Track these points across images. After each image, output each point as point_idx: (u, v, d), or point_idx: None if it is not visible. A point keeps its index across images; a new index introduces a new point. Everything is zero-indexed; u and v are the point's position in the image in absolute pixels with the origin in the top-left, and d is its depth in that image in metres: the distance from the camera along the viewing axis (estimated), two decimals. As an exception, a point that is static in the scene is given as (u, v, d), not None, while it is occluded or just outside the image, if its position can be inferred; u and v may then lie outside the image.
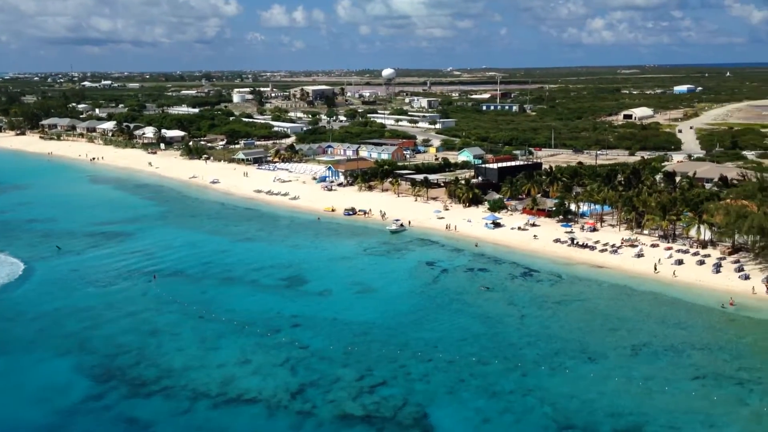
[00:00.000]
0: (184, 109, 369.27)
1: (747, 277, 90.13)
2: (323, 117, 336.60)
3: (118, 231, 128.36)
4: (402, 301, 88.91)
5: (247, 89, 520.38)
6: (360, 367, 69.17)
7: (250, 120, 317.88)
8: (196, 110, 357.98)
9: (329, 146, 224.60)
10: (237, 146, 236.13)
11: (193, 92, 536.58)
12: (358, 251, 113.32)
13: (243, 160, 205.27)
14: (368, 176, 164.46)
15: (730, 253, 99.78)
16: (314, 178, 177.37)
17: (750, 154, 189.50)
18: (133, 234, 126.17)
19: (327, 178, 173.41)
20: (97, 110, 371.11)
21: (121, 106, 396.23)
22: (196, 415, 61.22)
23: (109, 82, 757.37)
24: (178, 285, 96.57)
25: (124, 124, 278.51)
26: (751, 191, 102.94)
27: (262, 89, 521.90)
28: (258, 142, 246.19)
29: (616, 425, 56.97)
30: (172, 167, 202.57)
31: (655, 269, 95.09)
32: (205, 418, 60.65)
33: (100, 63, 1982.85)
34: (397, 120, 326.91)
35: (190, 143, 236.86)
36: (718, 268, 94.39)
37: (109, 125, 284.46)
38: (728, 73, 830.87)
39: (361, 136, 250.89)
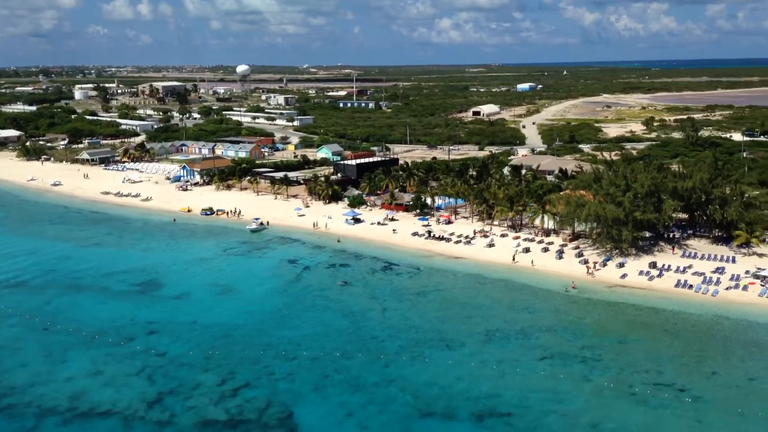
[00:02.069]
0: (19, 107, 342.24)
1: (586, 262, 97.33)
2: (175, 114, 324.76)
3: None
4: (264, 300, 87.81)
5: (91, 85, 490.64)
6: (222, 370, 67.56)
7: (95, 118, 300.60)
8: (34, 108, 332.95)
9: (183, 145, 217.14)
10: (81, 146, 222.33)
11: (29, 89, 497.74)
12: (217, 252, 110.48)
13: (88, 160, 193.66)
14: (226, 175, 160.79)
15: (570, 240, 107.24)
16: (168, 178, 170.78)
17: (586, 148, 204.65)
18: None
19: (182, 178, 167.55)
20: None
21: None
22: (44, 433, 57.14)
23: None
24: (18, 296, 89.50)
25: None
26: (587, 182, 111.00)
27: (107, 85, 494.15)
28: (104, 141, 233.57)
29: (473, 408, 59.56)
30: (6, 169, 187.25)
31: (513, 259, 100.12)
32: (53, 437, 56.74)
33: None
34: (254, 117, 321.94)
35: (27, 143, 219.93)
36: (560, 254, 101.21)
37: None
38: (565, 72, 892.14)
39: (216, 134, 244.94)
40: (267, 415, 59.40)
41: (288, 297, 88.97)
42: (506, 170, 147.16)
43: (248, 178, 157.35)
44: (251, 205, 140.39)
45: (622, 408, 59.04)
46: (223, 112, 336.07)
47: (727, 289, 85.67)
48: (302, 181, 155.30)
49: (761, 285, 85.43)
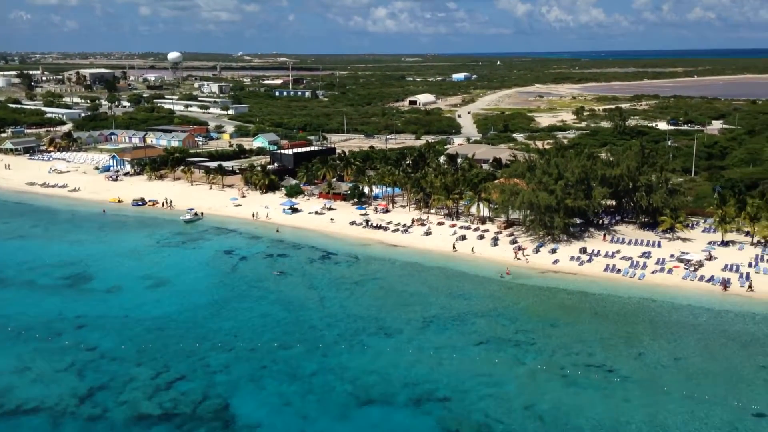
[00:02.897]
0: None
1: (520, 248, 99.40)
2: (104, 102, 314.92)
3: None
4: (199, 292, 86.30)
5: (14, 72, 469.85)
6: (156, 364, 66.16)
7: (19, 106, 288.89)
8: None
9: (112, 134, 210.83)
10: (3, 135, 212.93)
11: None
12: (149, 243, 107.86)
13: (11, 150, 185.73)
14: (158, 165, 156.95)
15: (505, 228, 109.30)
16: (97, 168, 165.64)
17: (519, 137, 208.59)
18: None
19: (111, 168, 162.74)
20: None
21: None
22: (-33, 434, 54.84)
23: None
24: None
25: None
26: (520, 170, 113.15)
27: (31, 72, 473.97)
28: (29, 131, 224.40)
29: (411, 394, 60.21)
30: None
31: (454, 247, 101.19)
32: (-23, 437, 54.52)
33: None
34: (187, 106, 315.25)
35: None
36: (495, 241, 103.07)
37: None
38: (499, 62, 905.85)
39: (147, 122, 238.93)
40: (202, 408, 58.57)
41: (224, 288, 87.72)
42: (442, 159, 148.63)
43: (182, 167, 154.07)
44: (185, 195, 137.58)
45: (554, 389, 60.74)
46: (155, 100, 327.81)
47: (653, 272, 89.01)
48: (238, 171, 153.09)
49: (685, 268, 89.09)
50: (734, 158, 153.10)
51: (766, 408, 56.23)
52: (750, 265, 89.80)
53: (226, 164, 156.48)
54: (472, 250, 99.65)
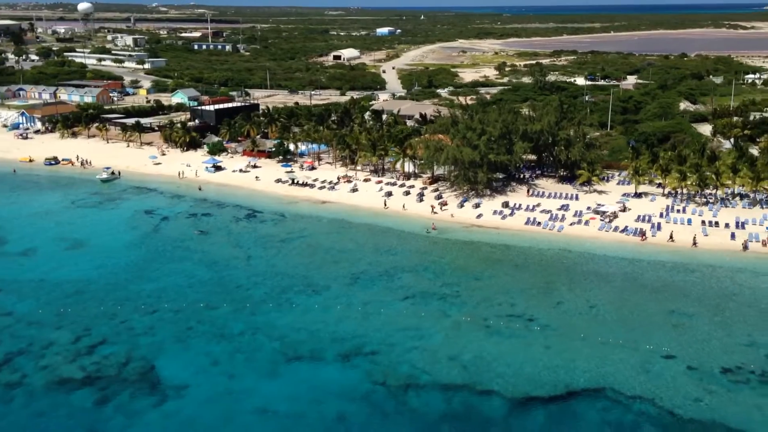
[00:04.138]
0: None
1: (445, 204, 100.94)
2: (10, 56, 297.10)
3: None
4: (120, 253, 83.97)
5: None
6: (76, 327, 64.41)
7: None
8: None
9: (20, 89, 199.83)
10: None
11: None
12: (65, 204, 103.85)
13: None
14: (71, 122, 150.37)
15: (430, 183, 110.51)
16: (5, 126, 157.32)
17: (443, 92, 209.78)
18: None
19: (21, 125, 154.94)
20: None
21: None
22: None
23: None
24: None
25: None
26: (445, 126, 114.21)
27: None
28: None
29: (340, 349, 60.94)
30: None
31: (385, 205, 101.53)
32: None
33: None
34: (100, 59, 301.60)
35: None
36: (421, 197, 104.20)
37: None
38: (422, 17, 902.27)
39: (58, 77, 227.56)
40: (127, 370, 57.63)
41: (146, 249, 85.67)
42: (368, 115, 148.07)
43: (96, 124, 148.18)
44: (101, 153, 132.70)
45: (478, 339, 62.70)
46: (65, 54, 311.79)
47: (571, 224, 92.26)
48: (157, 128, 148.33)
49: (601, 220, 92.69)
50: (647, 112, 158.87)
51: (676, 350, 59.83)
52: (661, 215, 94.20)
53: (144, 121, 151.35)
54: (404, 207, 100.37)
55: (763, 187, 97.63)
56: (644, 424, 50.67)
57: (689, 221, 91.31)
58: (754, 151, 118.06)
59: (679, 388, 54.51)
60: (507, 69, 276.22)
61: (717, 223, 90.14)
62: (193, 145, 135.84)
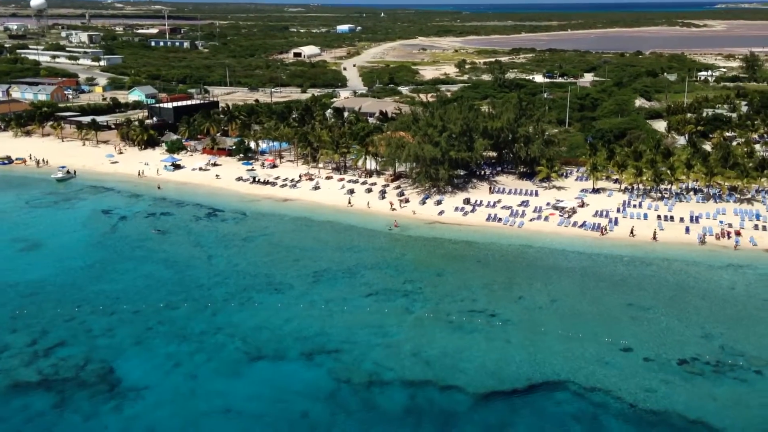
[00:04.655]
0: None
1: (407, 201, 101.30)
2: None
3: None
4: (76, 254, 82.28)
5: None
6: (32, 330, 62.94)
7: None
8: None
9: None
10: None
11: None
12: (18, 204, 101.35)
13: None
14: (24, 120, 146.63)
15: (392, 180, 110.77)
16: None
17: (404, 89, 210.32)
18: None
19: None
20: None
21: None
22: None
23: None
24: None
25: None
26: (406, 123, 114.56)
27: None
28: None
29: (302, 348, 60.74)
30: None
31: (349, 203, 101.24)
32: None
33: None
34: (55, 57, 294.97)
35: None
36: (383, 194, 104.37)
37: None
38: (383, 14, 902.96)
39: (11, 74, 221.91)
40: (86, 373, 56.55)
41: (103, 249, 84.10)
42: (329, 113, 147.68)
43: (51, 123, 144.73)
44: (56, 152, 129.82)
45: (441, 335, 63.15)
46: (18, 51, 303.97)
47: (531, 220, 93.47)
48: (113, 126, 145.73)
49: (559, 215, 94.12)
50: (604, 109, 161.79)
51: (633, 342, 61.12)
52: (618, 210, 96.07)
53: (100, 119, 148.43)
54: (368, 204, 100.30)
55: (716, 182, 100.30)
56: (603, 416, 51.70)
57: (645, 216, 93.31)
58: (707, 146, 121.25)
59: (636, 379, 55.73)
60: (467, 66, 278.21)
61: (672, 218, 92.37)
62: (151, 143, 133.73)
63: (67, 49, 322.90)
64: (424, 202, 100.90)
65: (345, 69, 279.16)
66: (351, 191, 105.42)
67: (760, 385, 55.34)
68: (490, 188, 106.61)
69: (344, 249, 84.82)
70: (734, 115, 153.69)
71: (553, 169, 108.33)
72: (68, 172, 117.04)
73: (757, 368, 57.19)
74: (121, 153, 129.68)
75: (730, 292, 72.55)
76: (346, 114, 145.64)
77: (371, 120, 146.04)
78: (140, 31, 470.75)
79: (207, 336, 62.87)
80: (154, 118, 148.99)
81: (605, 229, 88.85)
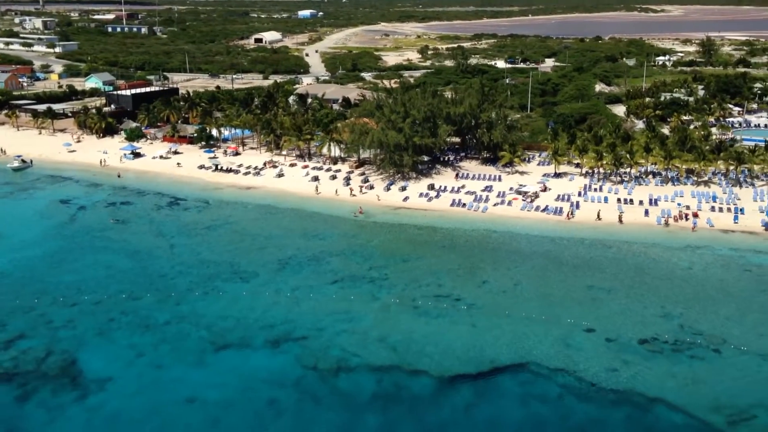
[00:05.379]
0: None
1: (372, 187, 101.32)
2: None
3: None
4: (34, 245, 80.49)
5: None
6: (-10, 324, 61.59)
7: None
8: None
9: None
10: None
11: None
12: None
13: None
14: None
15: (357, 167, 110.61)
16: None
17: (367, 76, 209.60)
18: None
19: None
20: None
21: None
22: None
23: None
24: None
25: None
26: (369, 110, 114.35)
27: None
28: None
29: (269, 336, 60.54)
30: None
31: (317, 190, 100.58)
32: None
33: None
34: (8, 43, 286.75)
35: None
36: (347, 181, 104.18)
37: None
38: None
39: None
40: (47, 365, 55.57)
41: (62, 240, 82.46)
42: (292, 99, 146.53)
43: (5, 111, 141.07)
44: (11, 141, 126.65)
45: (407, 320, 63.52)
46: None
47: (494, 205, 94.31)
48: (70, 114, 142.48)
49: (522, 200, 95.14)
50: (565, 95, 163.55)
51: (595, 323, 62.27)
52: (580, 194, 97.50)
53: (56, 107, 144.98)
54: (336, 192, 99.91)
55: (674, 165, 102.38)
56: (567, 396, 52.67)
57: (606, 199, 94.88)
58: (665, 130, 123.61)
59: (598, 359, 56.86)
60: (429, 52, 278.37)
61: (632, 201, 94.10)
62: (109, 131, 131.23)
63: (21, 35, 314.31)
64: (388, 189, 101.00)
65: (307, 55, 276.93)
66: (315, 178, 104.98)
67: (717, 362, 56.93)
68: (456, 174, 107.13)
69: (309, 236, 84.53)
70: (691, 99, 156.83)
71: (516, 154, 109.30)
72: (24, 161, 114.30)
73: (715, 346, 58.77)
74: (78, 141, 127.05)
75: (688, 272, 74.33)
76: (309, 101, 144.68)
77: (335, 107, 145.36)
78: (96, 16, 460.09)
79: (171, 326, 62.22)
80: (112, 106, 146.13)
81: (571, 213, 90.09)
